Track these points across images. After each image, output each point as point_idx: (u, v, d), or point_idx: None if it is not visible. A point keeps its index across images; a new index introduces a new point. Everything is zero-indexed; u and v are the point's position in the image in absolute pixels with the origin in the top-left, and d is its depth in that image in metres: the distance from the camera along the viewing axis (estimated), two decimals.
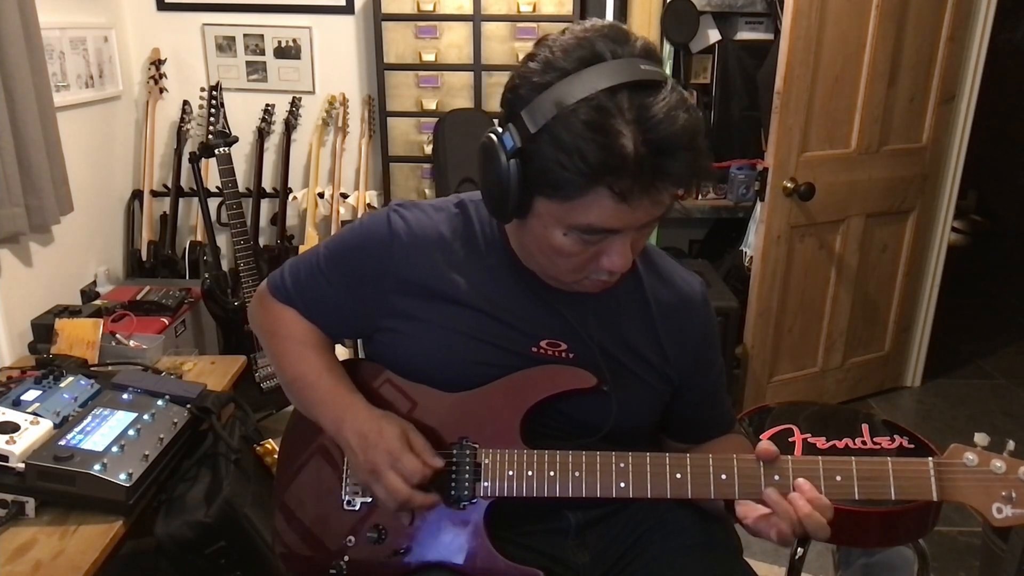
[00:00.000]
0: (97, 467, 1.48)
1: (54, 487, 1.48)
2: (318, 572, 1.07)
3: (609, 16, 3.02)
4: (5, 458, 1.48)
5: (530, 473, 1.00)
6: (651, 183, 0.84)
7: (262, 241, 3.31)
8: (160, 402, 1.75)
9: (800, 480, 0.93)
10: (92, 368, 2.01)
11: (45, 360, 1.99)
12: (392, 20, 3.00)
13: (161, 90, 3.16)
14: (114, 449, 1.54)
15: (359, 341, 1.48)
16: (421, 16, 2.98)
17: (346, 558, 1.05)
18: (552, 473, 0.99)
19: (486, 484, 1.01)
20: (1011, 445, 0.94)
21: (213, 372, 2.18)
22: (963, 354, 3.64)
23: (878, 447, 1.58)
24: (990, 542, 1.88)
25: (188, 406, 1.79)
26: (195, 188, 2.98)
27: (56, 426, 1.61)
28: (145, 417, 1.67)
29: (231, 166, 2.67)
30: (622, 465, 0.98)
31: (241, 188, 3.04)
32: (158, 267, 3.13)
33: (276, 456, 1.19)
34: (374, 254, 1.07)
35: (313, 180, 3.22)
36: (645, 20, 3.03)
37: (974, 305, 4.29)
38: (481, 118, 3.05)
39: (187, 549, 1.60)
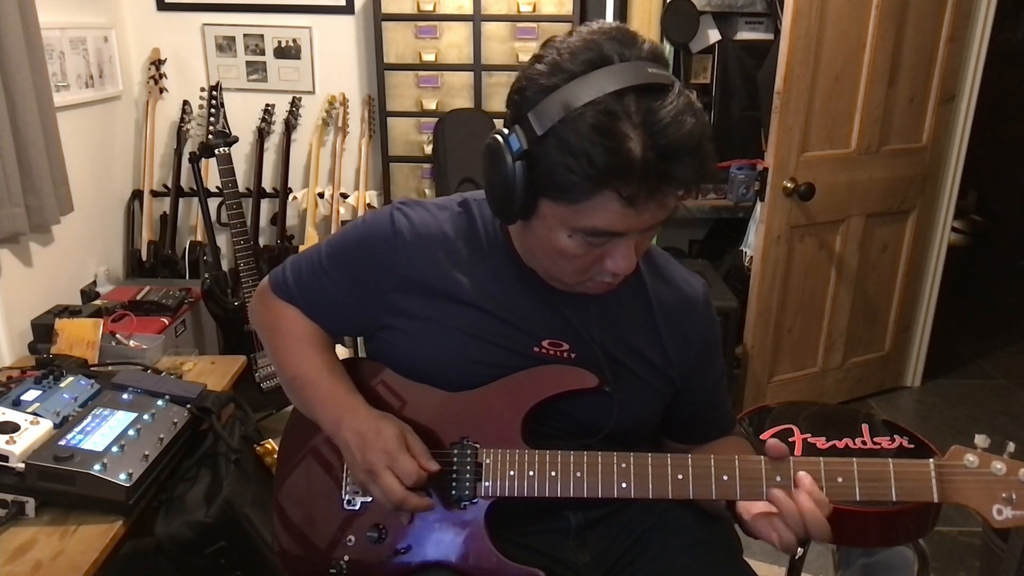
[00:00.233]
0: (97, 467, 1.48)
1: (54, 487, 1.48)
2: (318, 572, 1.06)
3: (609, 16, 3.02)
4: (5, 458, 1.48)
5: (531, 473, 1.00)
6: (657, 187, 0.84)
7: (262, 241, 3.31)
8: (160, 402, 1.75)
9: (801, 473, 0.93)
10: (92, 368, 2.01)
11: (45, 360, 1.99)
12: (392, 20, 2.99)
13: (161, 90, 3.15)
14: (114, 449, 1.54)
15: (360, 340, 1.48)
16: (421, 16, 2.98)
17: (346, 558, 1.05)
18: (553, 473, 0.99)
19: (487, 484, 1.01)
20: (1011, 447, 0.94)
21: (213, 372, 2.18)
22: (963, 354, 3.64)
23: (878, 447, 1.58)
24: (990, 542, 1.88)
25: (188, 406, 1.79)
26: (195, 188, 2.97)
27: (56, 426, 1.61)
28: (145, 417, 1.67)
29: (231, 166, 2.67)
30: (623, 465, 0.98)
31: (241, 188, 3.04)
32: (158, 267, 3.12)
33: (276, 456, 1.19)
34: (377, 252, 1.07)
35: (313, 180, 3.22)
36: (645, 20, 3.03)
37: (974, 305, 4.28)
38: (481, 118, 3.04)
39: (187, 549, 1.60)
